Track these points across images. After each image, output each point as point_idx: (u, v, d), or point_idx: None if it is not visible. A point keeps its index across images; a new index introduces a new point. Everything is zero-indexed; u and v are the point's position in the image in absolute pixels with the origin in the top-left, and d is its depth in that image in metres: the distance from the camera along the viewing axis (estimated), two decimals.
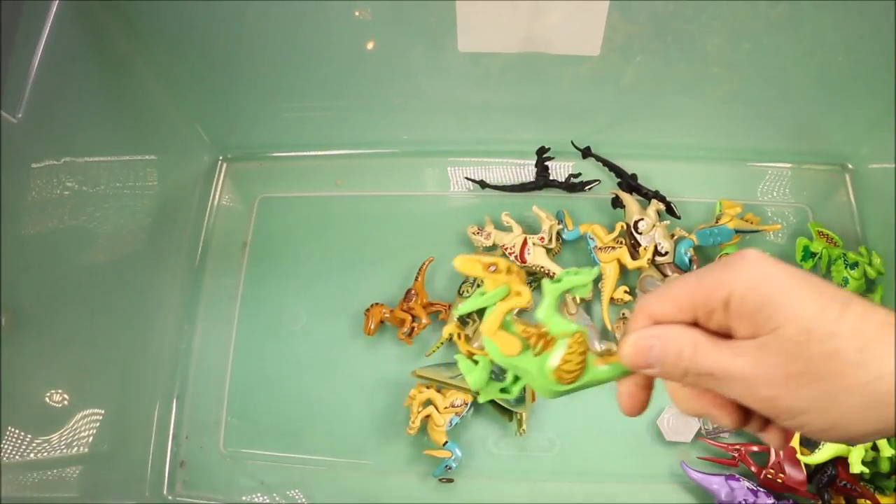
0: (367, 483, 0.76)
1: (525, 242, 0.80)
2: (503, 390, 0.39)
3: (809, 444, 0.70)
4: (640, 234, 0.79)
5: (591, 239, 0.81)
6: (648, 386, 0.36)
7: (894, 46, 0.67)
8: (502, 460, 0.75)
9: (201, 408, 0.80)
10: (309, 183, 0.91)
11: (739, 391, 0.30)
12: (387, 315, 0.79)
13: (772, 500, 0.68)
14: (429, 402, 0.73)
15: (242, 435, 0.79)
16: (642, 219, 0.79)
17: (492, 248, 0.82)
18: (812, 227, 0.81)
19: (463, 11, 0.68)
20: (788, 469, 0.69)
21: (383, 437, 0.77)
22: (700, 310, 0.32)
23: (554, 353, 0.36)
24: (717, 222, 0.80)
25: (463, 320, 0.78)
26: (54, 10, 0.61)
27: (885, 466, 0.68)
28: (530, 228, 0.83)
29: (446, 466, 0.72)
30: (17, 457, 0.59)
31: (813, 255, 0.79)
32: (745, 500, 0.68)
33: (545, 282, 0.37)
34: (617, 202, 0.83)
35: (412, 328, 0.77)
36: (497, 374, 0.39)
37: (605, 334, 0.78)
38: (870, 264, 0.77)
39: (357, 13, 0.70)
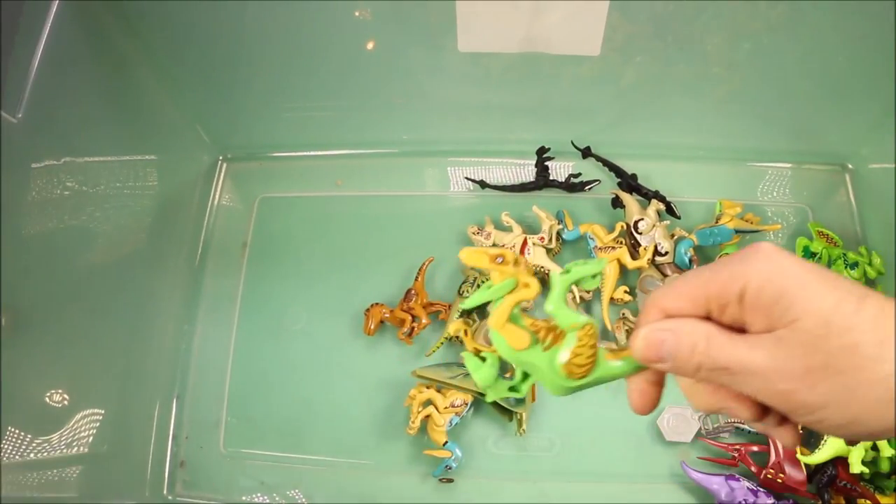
0: (367, 483, 0.76)
1: (525, 242, 0.80)
2: (512, 388, 0.37)
3: (809, 444, 0.70)
4: (640, 234, 0.79)
5: (591, 239, 0.81)
6: (660, 383, 0.35)
7: (894, 46, 0.67)
8: (502, 460, 0.75)
9: (201, 408, 0.80)
10: (309, 183, 0.91)
11: (755, 386, 0.30)
12: (387, 315, 0.79)
13: (772, 500, 0.68)
14: (429, 402, 0.73)
15: (242, 435, 0.79)
16: (642, 219, 0.79)
17: None
18: (812, 227, 0.81)
19: (463, 11, 0.68)
20: (788, 469, 0.69)
21: (383, 437, 0.77)
22: (714, 303, 0.31)
23: (564, 346, 0.34)
24: (717, 222, 0.80)
25: (466, 314, 0.78)
26: (54, 10, 0.61)
27: (885, 466, 0.68)
28: (530, 228, 0.83)
29: (446, 466, 0.72)
30: (17, 457, 0.59)
31: (813, 255, 0.79)
32: (745, 500, 0.68)
33: (553, 273, 0.35)
34: (617, 202, 0.83)
35: (412, 328, 0.77)
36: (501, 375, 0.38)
37: (605, 334, 0.78)
38: (870, 264, 0.77)
39: (357, 13, 0.70)
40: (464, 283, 0.80)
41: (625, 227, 0.81)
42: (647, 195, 0.83)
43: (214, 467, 0.78)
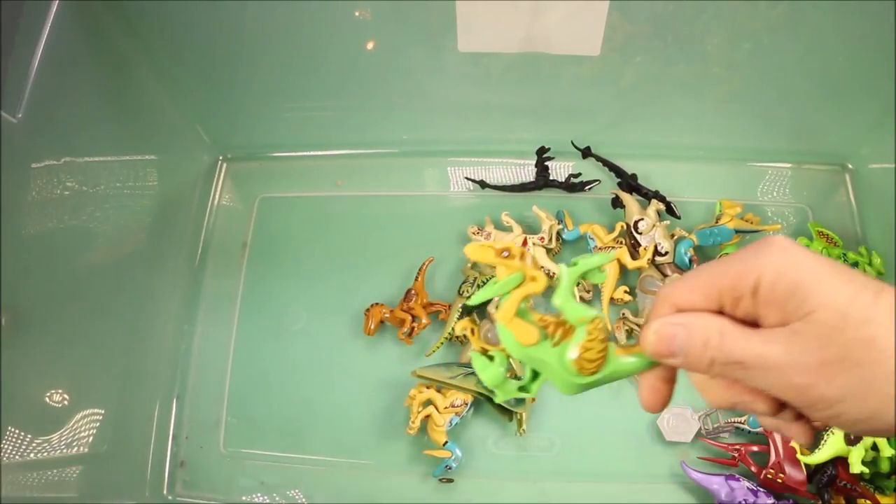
0: (367, 483, 0.76)
1: (525, 242, 0.80)
2: (522, 388, 0.36)
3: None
4: (640, 234, 0.79)
5: (591, 239, 0.81)
6: (671, 379, 0.34)
7: (894, 46, 0.67)
8: (502, 460, 0.75)
9: (201, 408, 0.80)
10: (309, 183, 0.91)
11: (771, 380, 0.29)
12: (387, 315, 0.79)
13: (772, 500, 0.68)
14: (429, 402, 0.73)
15: (242, 435, 0.79)
16: (642, 219, 0.79)
17: None
18: (812, 227, 0.81)
19: (463, 11, 0.68)
20: (788, 469, 0.69)
21: (383, 437, 0.77)
22: (727, 297, 0.30)
23: (573, 341, 0.33)
24: (717, 222, 0.80)
25: (468, 312, 0.78)
26: (54, 10, 0.61)
27: (885, 466, 0.68)
28: (530, 228, 0.83)
29: (446, 466, 0.72)
30: (17, 457, 0.59)
31: None
32: (745, 500, 0.68)
33: (561, 266, 0.35)
34: (617, 202, 0.83)
35: (412, 328, 0.77)
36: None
37: None
38: (870, 264, 0.77)
39: (357, 13, 0.70)
40: (464, 283, 0.80)
41: (625, 227, 0.81)
42: (647, 195, 0.83)
43: (214, 467, 0.78)
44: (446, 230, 0.85)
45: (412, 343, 0.78)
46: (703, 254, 0.81)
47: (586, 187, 0.85)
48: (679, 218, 0.83)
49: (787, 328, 0.29)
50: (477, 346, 0.38)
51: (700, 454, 0.73)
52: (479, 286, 0.78)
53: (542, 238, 0.80)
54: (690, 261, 0.78)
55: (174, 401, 0.80)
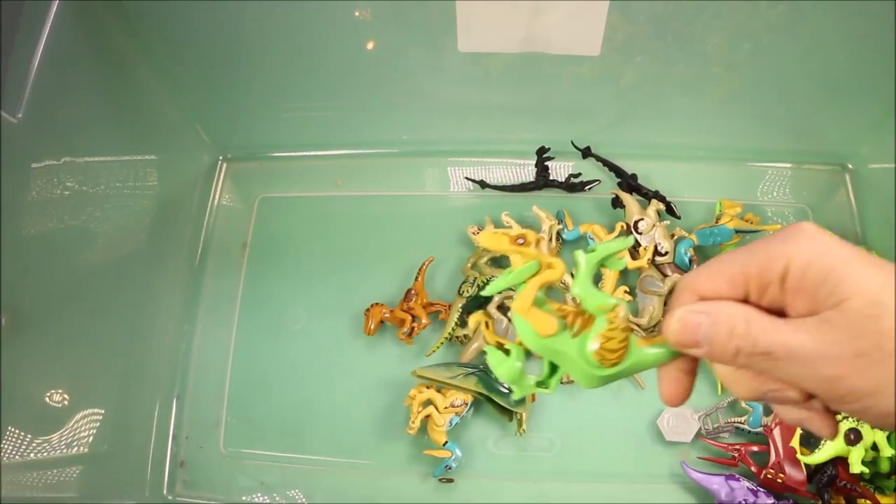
0: (367, 483, 0.76)
1: None
2: (540, 384, 0.34)
3: (809, 444, 0.70)
4: (640, 234, 0.79)
5: (591, 239, 0.81)
6: (693, 371, 0.33)
7: (894, 46, 0.67)
8: (502, 460, 0.75)
9: (201, 408, 0.80)
10: (309, 183, 0.91)
11: (798, 372, 0.28)
12: (387, 315, 0.79)
13: (772, 500, 0.68)
14: (429, 402, 0.73)
15: (242, 435, 0.79)
16: (642, 219, 0.79)
17: None
18: None
19: (463, 11, 0.68)
20: (788, 469, 0.69)
21: (383, 437, 0.77)
22: (753, 284, 0.29)
23: (594, 331, 0.32)
24: (717, 222, 0.80)
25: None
26: (54, 10, 0.61)
27: (885, 466, 0.68)
28: (530, 228, 0.83)
29: (446, 466, 0.72)
30: (17, 457, 0.59)
31: None
32: (745, 500, 0.68)
33: (578, 252, 0.33)
34: (617, 202, 0.83)
35: (412, 328, 0.77)
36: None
37: None
38: None
39: (357, 13, 0.70)
40: (464, 283, 0.80)
41: (625, 227, 0.81)
42: (647, 195, 0.83)
43: (214, 467, 0.78)
44: (446, 230, 0.85)
45: (412, 343, 0.78)
46: (703, 254, 0.81)
47: (586, 187, 0.85)
48: (679, 218, 0.83)
49: (817, 317, 0.27)
50: (492, 341, 0.36)
51: (700, 454, 0.73)
52: (479, 286, 0.77)
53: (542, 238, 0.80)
54: (690, 261, 0.78)
55: (174, 401, 0.80)
